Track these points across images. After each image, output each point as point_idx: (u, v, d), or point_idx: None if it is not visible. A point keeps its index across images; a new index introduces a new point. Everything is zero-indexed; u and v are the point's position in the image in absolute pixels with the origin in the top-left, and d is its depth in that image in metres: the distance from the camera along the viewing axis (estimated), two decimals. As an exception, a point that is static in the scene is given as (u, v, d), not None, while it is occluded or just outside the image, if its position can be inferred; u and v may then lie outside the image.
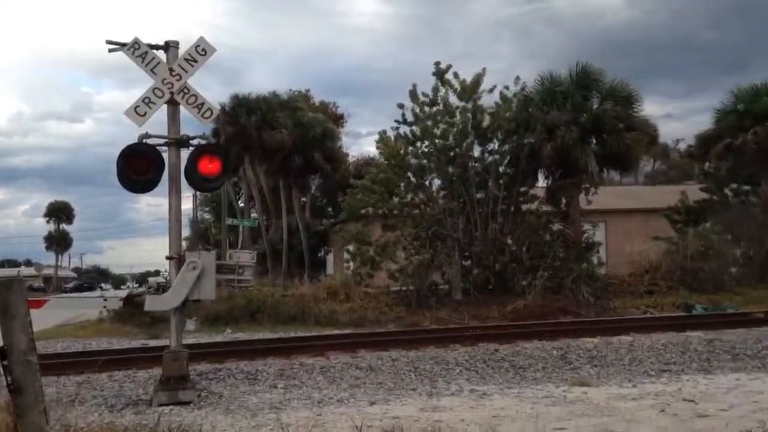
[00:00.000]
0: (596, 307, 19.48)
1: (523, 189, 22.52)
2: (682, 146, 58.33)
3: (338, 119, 53.33)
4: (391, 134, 22.56)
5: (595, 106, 22.33)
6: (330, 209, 46.97)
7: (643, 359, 10.85)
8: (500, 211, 21.76)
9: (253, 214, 43.88)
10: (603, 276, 22.65)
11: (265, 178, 39.88)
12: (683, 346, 11.75)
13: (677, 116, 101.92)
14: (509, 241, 21.93)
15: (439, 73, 21.93)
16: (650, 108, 41.27)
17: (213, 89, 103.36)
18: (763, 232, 23.98)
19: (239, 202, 49.26)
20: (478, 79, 21.90)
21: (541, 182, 23.64)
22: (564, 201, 22.67)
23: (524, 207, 22.58)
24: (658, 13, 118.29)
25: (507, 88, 22.37)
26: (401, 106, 22.25)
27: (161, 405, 7.91)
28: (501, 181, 22.02)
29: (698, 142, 29.26)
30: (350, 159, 49.47)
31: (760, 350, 11.33)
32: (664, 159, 63.87)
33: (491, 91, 22.06)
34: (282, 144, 36.59)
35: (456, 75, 21.92)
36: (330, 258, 38.50)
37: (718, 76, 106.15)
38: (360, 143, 77.17)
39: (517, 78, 22.46)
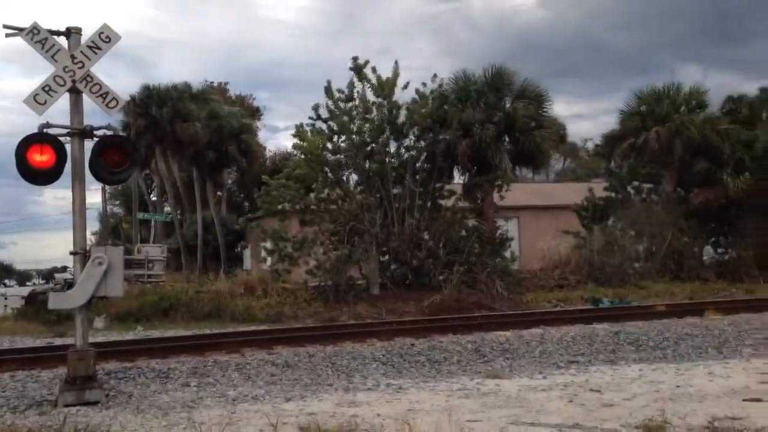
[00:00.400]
0: (509, 301, 19.96)
1: (438, 185, 22.85)
2: (591, 145, 60.63)
3: (255, 112, 52.64)
4: (307, 129, 22.34)
5: (507, 105, 22.95)
6: (247, 204, 46.26)
7: (553, 351, 11.20)
8: (417, 207, 21.97)
9: (167, 209, 42.68)
10: (516, 270, 23.30)
11: (178, 171, 38.86)
12: (590, 338, 12.19)
13: (586, 116, 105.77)
14: (426, 237, 22.20)
15: (357, 69, 21.87)
16: (560, 107, 42.78)
17: (123, 79, 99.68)
18: (664, 228, 25.17)
19: (152, 195, 47.84)
20: (395, 76, 21.97)
21: (458, 179, 24.14)
22: (479, 197, 23.14)
23: (441, 203, 22.91)
24: (568, 15, 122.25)
25: (424, 85, 22.61)
26: (316, 107, 22.01)
27: (67, 405, 7.61)
28: (417, 177, 22.23)
29: (604, 142, 30.28)
30: (268, 153, 48.96)
31: (661, 341, 11.89)
32: (574, 157, 66.22)
33: (405, 87, 22.22)
34: (196, 137, 35.73)
35: (374, 70, 21.94)
36: (247, 253, 37.90)
37: (622, 77, 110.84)
38: (278, 137, 76.31)
39: (435, 75, 22.78)
